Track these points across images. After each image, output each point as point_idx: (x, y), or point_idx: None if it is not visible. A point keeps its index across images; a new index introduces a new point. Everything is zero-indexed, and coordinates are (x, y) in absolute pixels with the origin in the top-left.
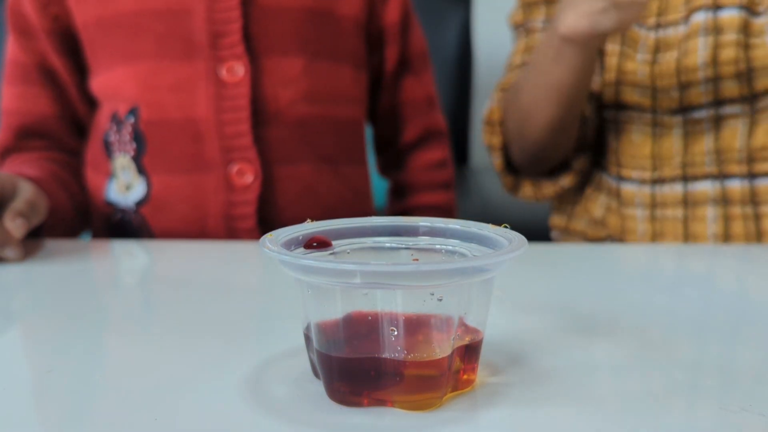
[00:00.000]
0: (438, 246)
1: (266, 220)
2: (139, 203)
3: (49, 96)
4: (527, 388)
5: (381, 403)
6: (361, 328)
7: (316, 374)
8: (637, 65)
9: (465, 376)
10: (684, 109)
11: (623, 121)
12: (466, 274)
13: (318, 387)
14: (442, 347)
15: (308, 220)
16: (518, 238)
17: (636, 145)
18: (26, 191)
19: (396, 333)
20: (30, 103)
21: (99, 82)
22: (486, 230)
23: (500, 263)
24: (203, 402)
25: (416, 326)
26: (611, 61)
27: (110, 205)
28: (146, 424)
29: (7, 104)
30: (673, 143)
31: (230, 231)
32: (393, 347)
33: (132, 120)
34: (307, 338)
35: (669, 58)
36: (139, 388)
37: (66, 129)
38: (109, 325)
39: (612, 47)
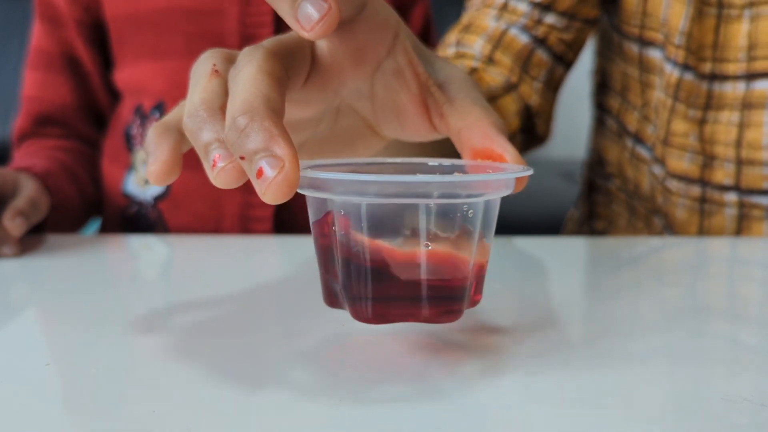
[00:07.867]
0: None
1: (282, 224)
2: (158, 198)
3: (70, 85)
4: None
5: (408, 318)
6: (393, 244)
7: (329, 302)
8: (688, 125)
9: (475, 296)
10: (740, 189)
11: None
12: (499, 188)
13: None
14: (465, 264)
15: None
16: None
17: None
18: (28, 189)
19: (429, 248)
20: (50, 91)
21: (124, 76)
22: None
23: (525, 173)
24: (203, 393)
25: (445, 243)
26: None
27: (127, 197)
28: (144, 416)
29: (28, 91)
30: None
31: (246, 233)
32: (423, 263)
33: (157, 115)
34: (326, 255)
35: (724, 120)
36: (137, 381)
37: (84, 118)
38: (108, 318)
39: (664, 98)
